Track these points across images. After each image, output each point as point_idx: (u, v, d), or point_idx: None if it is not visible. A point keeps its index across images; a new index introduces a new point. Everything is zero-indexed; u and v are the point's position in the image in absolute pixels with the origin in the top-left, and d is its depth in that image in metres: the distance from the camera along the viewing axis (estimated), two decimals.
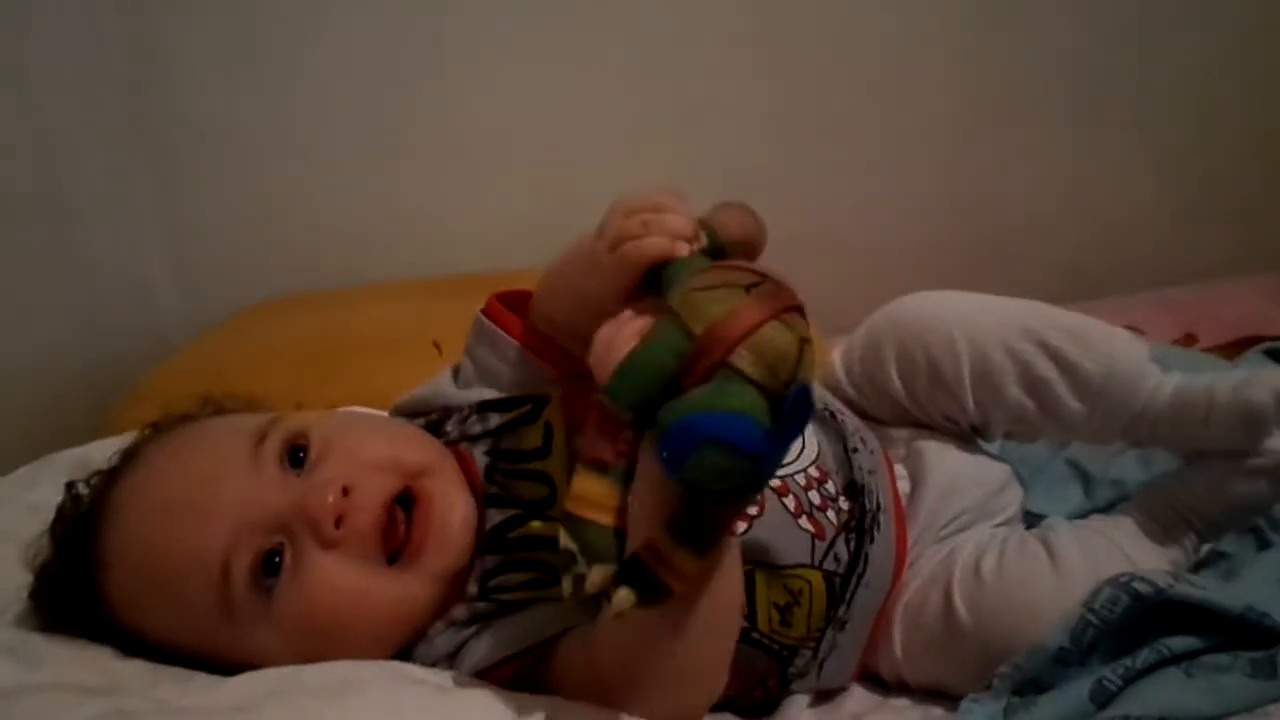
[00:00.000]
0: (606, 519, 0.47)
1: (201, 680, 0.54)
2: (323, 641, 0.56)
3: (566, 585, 0.46)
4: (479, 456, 0.64)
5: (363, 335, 1.21)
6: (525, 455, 0.63)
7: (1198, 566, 0.70)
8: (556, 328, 0.65)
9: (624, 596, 0.44)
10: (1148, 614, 0.62)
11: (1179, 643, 0.61)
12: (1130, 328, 1.19)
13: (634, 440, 0.47)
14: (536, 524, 0.60)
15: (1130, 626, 0.62)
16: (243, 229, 1.48)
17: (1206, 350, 1.16)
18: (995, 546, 0.67)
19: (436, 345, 1.08)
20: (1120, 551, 0.66)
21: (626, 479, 0.47)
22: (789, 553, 0.64)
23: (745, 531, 0.63)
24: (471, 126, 1.47)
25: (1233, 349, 1.10)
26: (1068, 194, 1.62)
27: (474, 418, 0.65)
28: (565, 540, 0.46)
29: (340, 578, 0.57)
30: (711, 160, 1.52)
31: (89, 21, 1.33)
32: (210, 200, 1.47)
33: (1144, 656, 0.60)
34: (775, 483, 0.65)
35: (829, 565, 0.65)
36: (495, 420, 0.65)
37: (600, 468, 0.47)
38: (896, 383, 0.73)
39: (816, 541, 0.64)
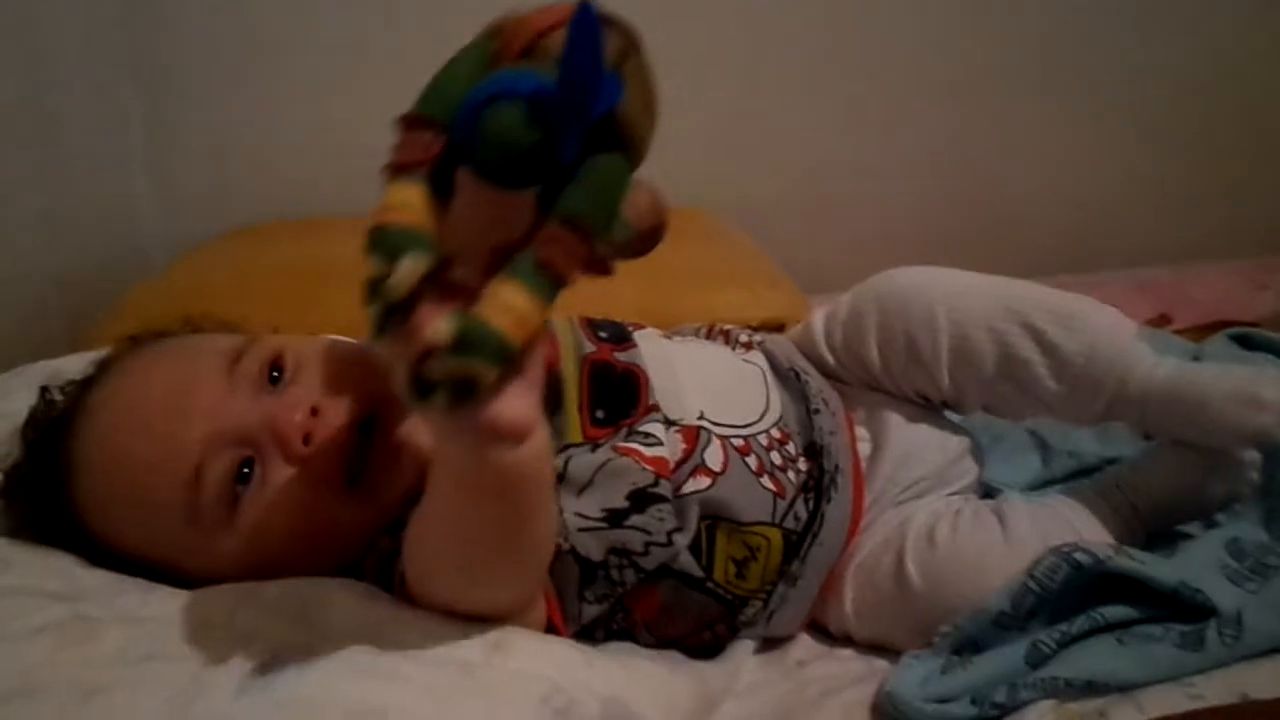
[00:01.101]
0: (413, 217, 0.40)
1: (163, 592, 0.56)
2: (277, 554, 0.58)
3: (373, 310, 0.39)
4: None
5: (347, 264, 1.19)
6: None
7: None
8: None
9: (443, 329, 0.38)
10: (1087, 584, 0.64)
11: (1114, 612, 0.63)
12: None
13: (444, 145, 0.41)
14: None
15: (1070, 595, 0.63)
16: (231, 149, 1.47)
17: (1179, 332, 1.18)
18: (949, 515, 0.69)
19: None
20: (1071, 527, 0.68)
21: (439, 190, 0.41)
22: (750, 510, 0.65)
23: (709, 488, 0.64)
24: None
25: (1205, 331, 1.11)
26: (1053, 173, 1.64)
27: None
28: (375, 262, 0.39)
29: (301, 494, 0.58)
30: (699, 111, 1.52)
31: None
32: (199, 119, 1.45)
33: (1080, 623, 0.62)
34: (738, 442, 0.66)
35: (789, 524, 0.66)
36: None
37: (404, 171, 0.41)
38: (874, 353, 0.74)
39: (778, 500, 0.66)
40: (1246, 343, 0.96)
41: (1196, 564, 0.66)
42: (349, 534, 0.60)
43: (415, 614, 0.54)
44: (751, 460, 0.66)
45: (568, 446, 0.63)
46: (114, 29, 1.38)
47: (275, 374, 0.61)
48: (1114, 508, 0.70)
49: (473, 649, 0.49)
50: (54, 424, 0.62)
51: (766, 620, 0.68)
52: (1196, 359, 0.92)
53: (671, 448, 0.64)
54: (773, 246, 1.37)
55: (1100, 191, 1.64)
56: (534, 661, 0.51)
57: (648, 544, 0.62)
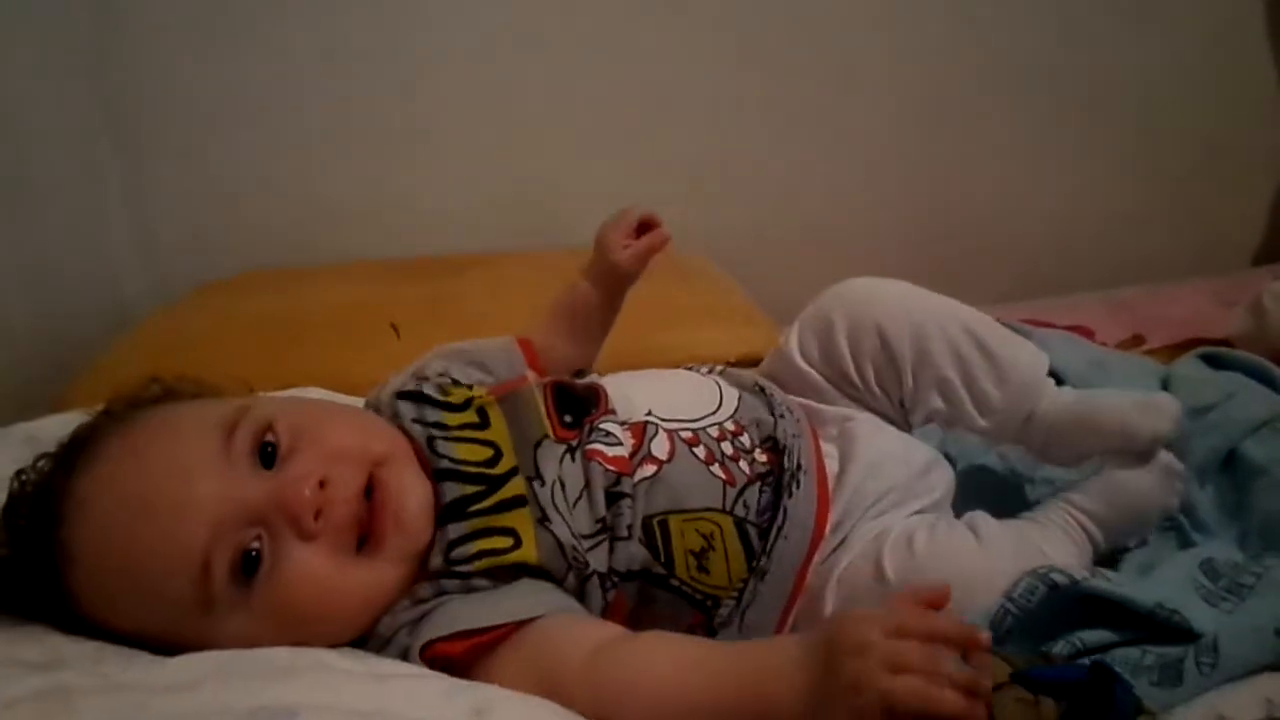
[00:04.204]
0: None
1: (145, 658, 0.55)
2: (297, 627, 0.58)
3: None
4: (417, 431, 0.66)
5: (323, 314, 1.22)
6: (464, 428, 0.67)
7: (1114, 562, 0.73)
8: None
9: None
10: (1064, 606, 0.64)
11: (1093, 636, 0.64)
12: (1079, 328, 1.23)
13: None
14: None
15: (1047, 618, 0.64)
16: (207, 203, 1.48)
17: (1152, 351, 1.20)
18: (925, 526, 0.70)
19: (394, 327, 1.09)
20: (1039, 549, 0.70)
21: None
22: (698, 496, 0.67)
23: (655, 474, 0.67)
24: (437, 107, 1.48)
25: (1177, 350, 1.13)
26: (1024, 194, 1.66)
27: (405, 404, 0.69)
28: None
29: (318, 569, 0.58)
30: (677, 147, 1.53)
31: None
32: (175, 173, 1.47)
33: (1059, 647, 0.63)
34: (686, 434, 0.70)
35: (739, 511, 0.68)
36: (429, 413, 0.68)
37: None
38: (844, 348, 0.77)
39: (727, 487, 0.68)
40: (1216, 362, 0.97)
41: (1171, 585, 0.67)
42: (374, 594, 0.61)
43: (401, 681, 0.53)
44: (700, 450, 0.69)
45: (546, 438, 0.67)
46: (87, 82, 1.39)
47: (270, 448, 0.61)
48: (1067, 531, 0.73)
49: (456, 712, 0.49)
50: (41, 513, 0.60)
51: (741, 619, 0.68)
52: (1166, 381, 0.93)
53: (625, 445, 0.68)
54: (747, 281, 1.39)
55: (1073, 215, 1.67)
56: None
57: (614, 540, 0.65)
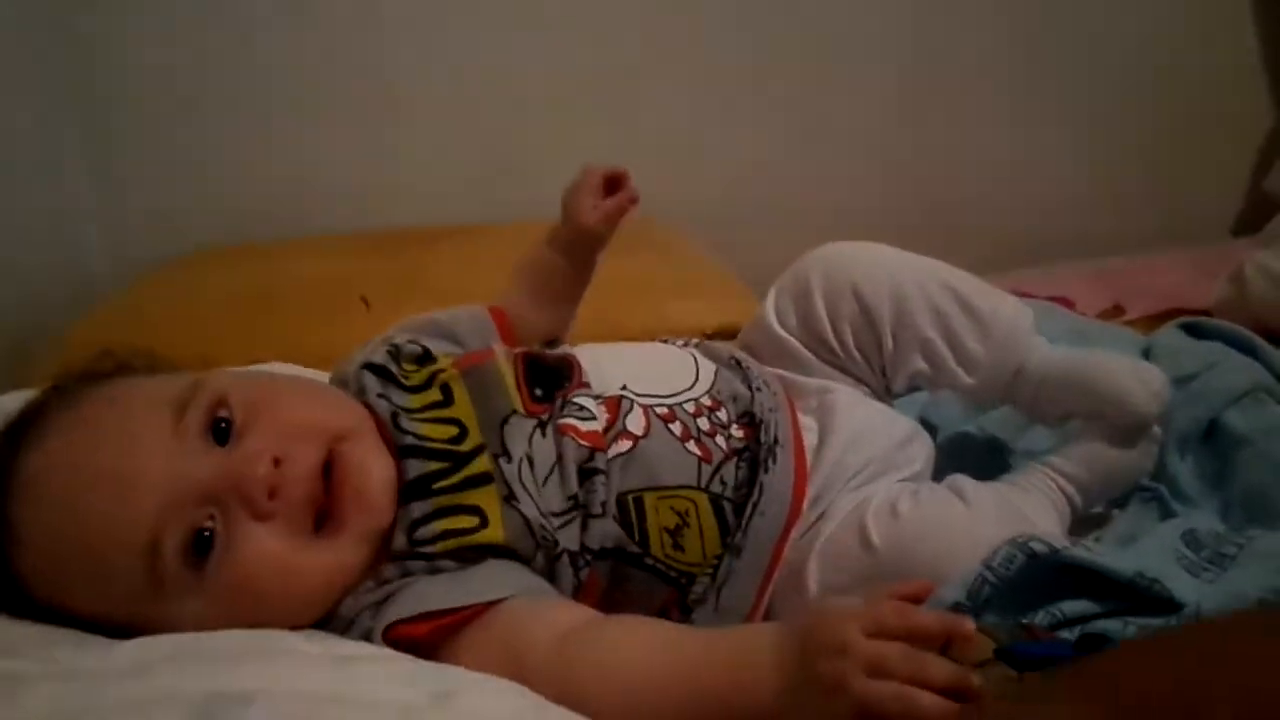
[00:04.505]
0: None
1: (97, 643, 0.53)
2: (254, 610, 0.56)
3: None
4: (382, 407, 0.64)
5: (291, 289, 1.20)
6: (427, 408, 0.65)
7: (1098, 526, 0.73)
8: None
9: None
10: (1043, 575, 0.63)
11: (1073, 607, 0.62)
12: (1059, 298, 1.22)
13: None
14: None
15: (1026, 587, 0.63)
16: (174, 177, 1.46)
17: (1132, 321, 1.19)
18: (908, 493, 0.69)
19: (364, 300, 1.07)
20: (1021, 513, 0.69)
21: None
22: (674, 473, 0.66)
23: (630, 449, 0.65)
24: (407, 80, 1.46)
25: (1157, 321, 1.12)
26: (1006, 167, 1.65)
27: (370, 378, 0.67)
28: None
29: (274, 549, 0.57)
30: (649, 119, 1.51)
31: None
32: (141, 150, 1.44)
33: (1039, 618, 0.62)
34: (662, 410, 0.68)
35: (715, 488, 0.67)
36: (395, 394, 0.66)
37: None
38: (822, 312, 0.76)
39: (703, 464, 0.67)
40: (1197, 331, 0.97)
41: (1152, 555, 0.66)
42: (334, 576, 0.59)
43: (363, 664, 0.52)
44: (675, 426, 0.68)
45: (514, 413, 0.65)
46: (55, 59, 1.36)
47: (223, 424, 0.58)
48: (1048, 495, 0.72)
49: (418, 695, 0.47)
50: None
51: (716, 597, 0.66)
52: (1147, 350, 0.93)
53: (600, 419, 0.66)
54: (727, 252, 1.37)
55: (1054, 184, 1.66)
56: (482, 709, 0.49)
57: (587, 517, 0.63)
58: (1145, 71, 1.63)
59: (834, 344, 0.76)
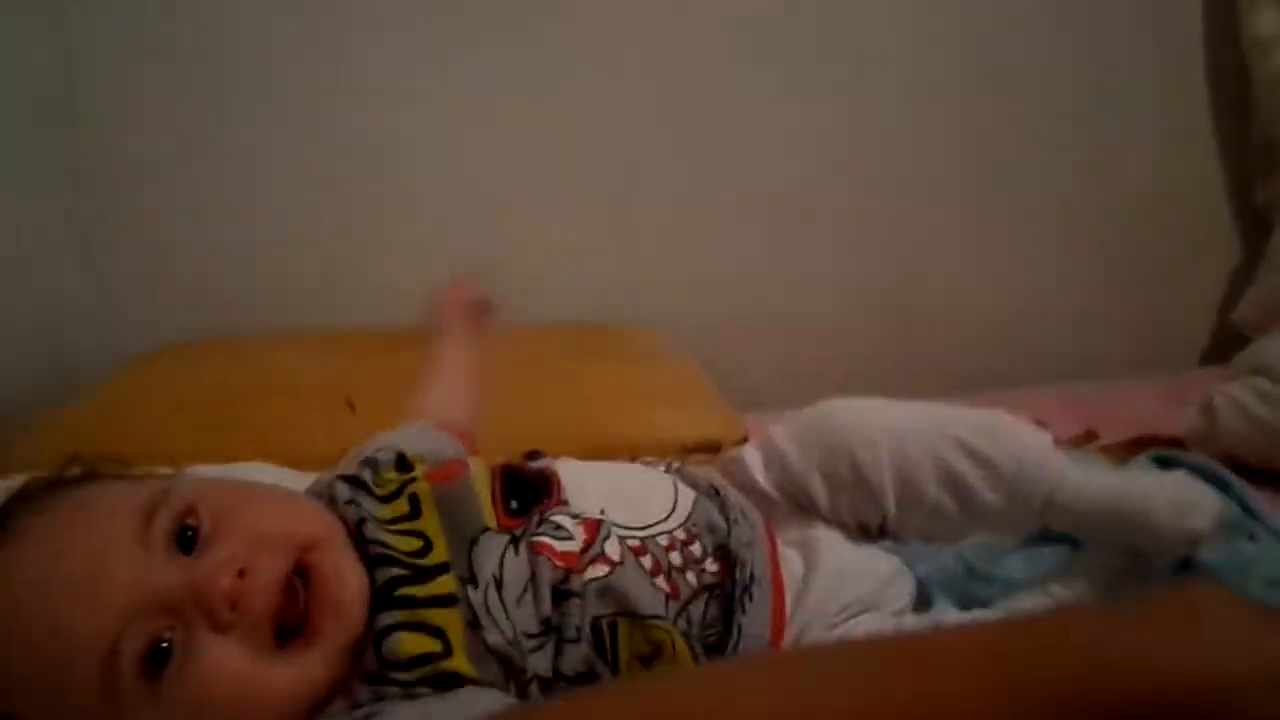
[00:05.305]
0: None
1: None
2: None
3: None
4: (350, 514, 0.64)
5: (274, 385, 1.20)
6: (395, 520, 0.64)
7: None
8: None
9: None
10: None
11: None
12: (1037, 421, 1.24)
13: None
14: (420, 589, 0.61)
15: None
16: (163, 268, 1.47)
17: (1106, 448, 1.20)
18: (890, 629, 0.68)
19: (350, 404, 1.07)
20: None
21: None
22: (646, 605, 0.64)
23: (607, 574, 0.63)
24: (400, 180, 1.48)
25: (1130, 448, 1.14)
26: (979, 290, 1.68)
27: (342, 486, 0.66)
28: None
29: (234, 663, 0.55)
30: (630, 222, 1.54)
31: (18, 45, 1.31)
32: (132, 237, 1.45)
33: None
34: (634, 543, 0.66)
35: (681, 625, 0.65)
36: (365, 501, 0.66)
37: None
38: (818, 484, 0.74)
39: (670, 601, 0.65)
40: (1167, 464, 0.98)
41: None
42: (299, 691, 0.57)
43: None
44: (647, 560, 0.66)
45: (487, 529, 0.63)
46: (48, 146, 1.38)
47: (189, 532, 0.58)
48: None
49: None
50: None
51: None
52: None
53: (577, 540, 0.65)
54: (706, 364, 1.39)
55: (1027, 311, 1.69)
56: None
57: (561, 642, 0.61)
58: (1119, 203, 1.67)
59: (828, 514, 0.75)
